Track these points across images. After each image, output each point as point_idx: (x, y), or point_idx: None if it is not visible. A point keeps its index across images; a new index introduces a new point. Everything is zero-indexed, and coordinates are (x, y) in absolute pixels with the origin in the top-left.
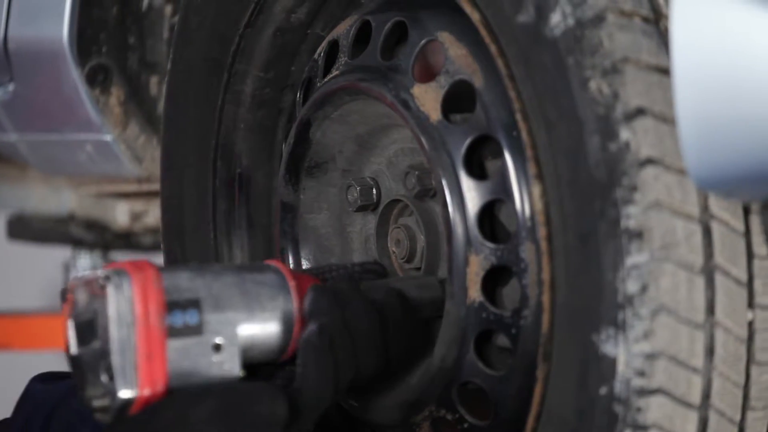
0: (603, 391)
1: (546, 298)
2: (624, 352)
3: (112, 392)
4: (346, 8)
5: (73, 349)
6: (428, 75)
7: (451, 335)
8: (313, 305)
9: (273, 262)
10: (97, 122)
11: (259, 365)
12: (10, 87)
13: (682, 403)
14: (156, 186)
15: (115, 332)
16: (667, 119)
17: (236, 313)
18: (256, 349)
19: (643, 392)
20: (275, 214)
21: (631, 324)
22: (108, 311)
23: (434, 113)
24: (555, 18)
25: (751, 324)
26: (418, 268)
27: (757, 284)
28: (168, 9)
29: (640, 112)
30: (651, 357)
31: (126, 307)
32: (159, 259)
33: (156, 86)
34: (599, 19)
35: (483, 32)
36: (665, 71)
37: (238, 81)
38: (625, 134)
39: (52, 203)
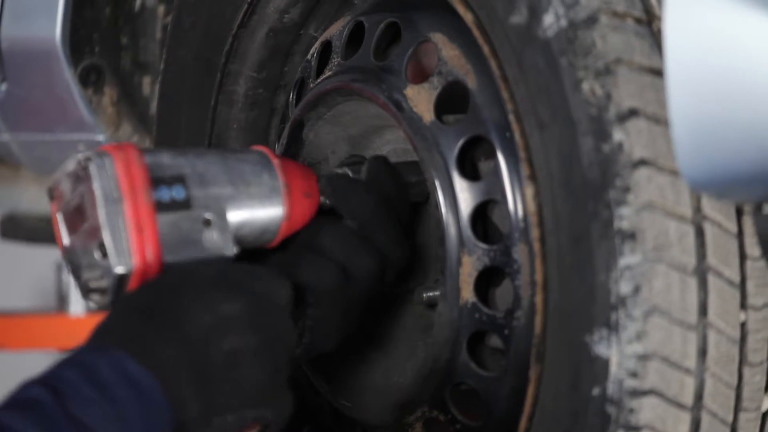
0: (596, 392)
1: (539, 299)
2: (617, 353)
3: (107, 269)
4: (339, 9)
5: (65, 240)
6: (421, 76)
7: (443, 336)
8: (374, 174)
9: (257, 146)
10: (90, 122)
11: (252, 252)
12: (3, 87)
13: (674, 404)
14: None
15: (103, 209)
16: (660, 120)
17: (222, 188)
18: (247, 227)
19: (636, 393)
20: None
21: (623, 325)
22: (93, 189)
23: (427, 114)
24: (548, 19)
25: (743, 325)
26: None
27: (750, 285)
28: (161, 9)
29: (633, 113)
30: (644, 358)
31: (111, 183)
32: None
33: (149, 86)
34: (592, 21)
35: (476, 33)
36: (658, 72)
37: (231, 81)
38: (618, 135)
39: (45, 203)
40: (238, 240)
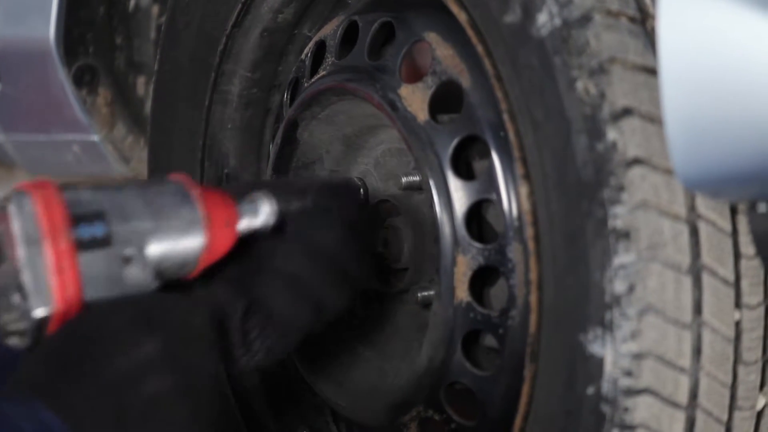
0: (590, 391)
1: (533, 298)
2: (611, 352)
3: (26, 311)
4: (333, 9)
5: None
6: (415, 75)
7: (438, 335)
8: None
9: (175, 175)
10: (84, 123)
11: (175, 284)
12: None
13: (669, 403)
14: None
15: (22, 250)
16: (654, 119)
17: (142, 222)
18: (168, 261)
19: (631, 392)
20: None
21: (618, 324)
22: (12, 230)
23: (421, 114)
24: (542, 18)
25: (738, 324)
26: (406, 269)
27: (744, 284)
28: (155, 9)
29: (627, 112)
30: (638, 357)
31: (30, 223)
32: None
33: (143, 86)
34: (586, 20)
35: (470, 32)
36: (652, 71)
37: (225, 81)
38: (612, 134)
39: None
40: (159, 273)
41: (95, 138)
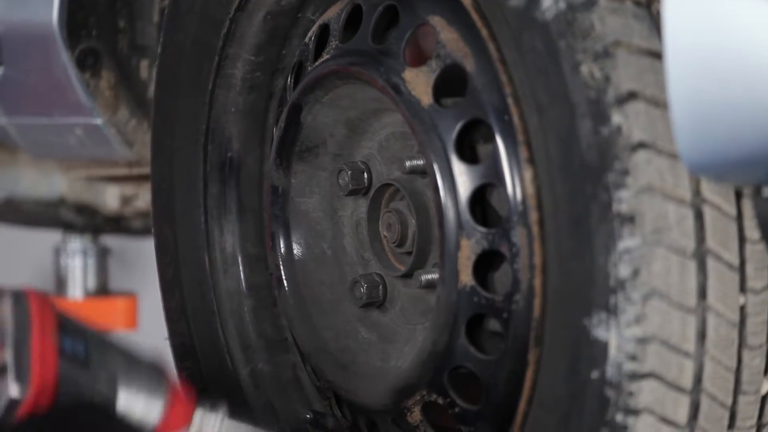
0: (594, 375)
1: (538, 283)
2: (615, 337)
3: (2, 390)
4: None
5: None
6: (419, 59)
7: (442, 320)
8: None
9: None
10: (88, 106)
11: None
12: (0, 70)
13: (673, 388)
14: (146, 170)
15: (11, 330)
16: (659, 103)
17: (117, 369)
18: (129, 413)
19: (635, 376)
20: (266, 198)
21: (622, 308)
22: (6, 314)
23: (425, 97)
24: (546, 2)
25: (743, 308)
26: (410, 252)
27: (749, 268)
28: None
29: (631, 95)
30: (643, 341)
31: (23, 313)
32: (150, 243)
33: (146, 70)
34: (591, 3)
35: (474, 16)
36: (657, 55)
37: (228, 65)
38: (616, 118)
39: (43, 187)
40: (123, 412)
41: (98, 121)
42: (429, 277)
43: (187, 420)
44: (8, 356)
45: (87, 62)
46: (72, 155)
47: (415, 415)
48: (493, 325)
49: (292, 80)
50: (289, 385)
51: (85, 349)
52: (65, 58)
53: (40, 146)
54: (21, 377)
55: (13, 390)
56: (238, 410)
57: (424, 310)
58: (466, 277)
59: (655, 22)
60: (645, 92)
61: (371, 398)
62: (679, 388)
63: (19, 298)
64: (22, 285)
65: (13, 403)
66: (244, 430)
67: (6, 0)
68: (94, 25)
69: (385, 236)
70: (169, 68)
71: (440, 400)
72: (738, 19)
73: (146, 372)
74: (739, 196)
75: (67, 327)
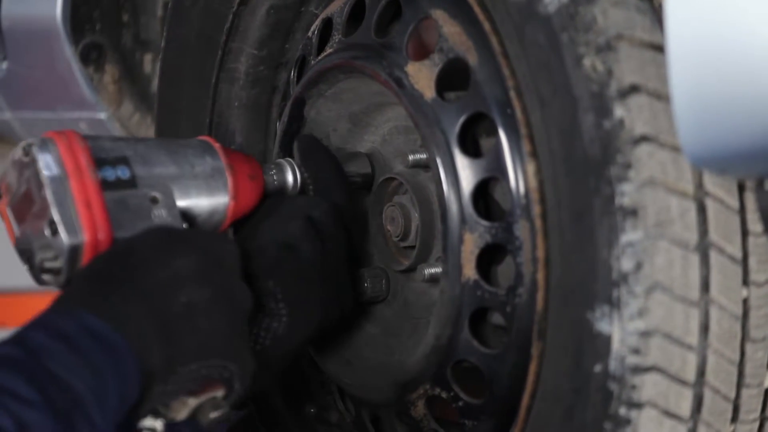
0: (597, 368)
1: (541, 276)
2: (618, 330)
3: (59, 244)
4: None
5: (16, 231)
6: (422, 53)
7: (445, 313)
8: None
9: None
10: (92, 100)
11: None
12: (4, 65)
13: (676, 381)
14: None
15: (49, 187)
16: (662, 96)
17: (166, 168)
18: (195, 207)
19: (638, 370)
20: None
21: (625, 301)
22: (39, 170)
23: (428, 91)
24: None
25: (745, 301)
26: (413, 246)
27: (752, 261)
28: None
29: (634, 89)
30: (646, 334)
31: (56, 163)
32: None
33: (150, 64)
34: None
35: (477, 10)
36: (659, 48)
37: (232, 59)
38: (619, 111)
39: None
40: (189, 220)
41: (102, 115)
42: (432, 271)
43: (258, 187)
44: (54, 213)
45: (91, 56)
46: None
47: (419, 409)
48: (497, 318)
49: (296, 74)
50: (293, 379)
51: (128, 168)
52: (69, 53)
53: None
54: (72, 229)
55: (70, 240)
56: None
57: (428, 304)
58: (470, 271)
59: (657, 15)
60: (647, 85)
61: (375, 392)
62: (683, 382)
63: (46, 147)
64: (45, 134)
65: (74, 252)
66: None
67: None
68: (97, 20)
69: (389, 230)
70: (173, 62)
71: (444, 394)
72: (740, 11)
73: (196, 158)
74: (741, 189)
75: (103, 156)
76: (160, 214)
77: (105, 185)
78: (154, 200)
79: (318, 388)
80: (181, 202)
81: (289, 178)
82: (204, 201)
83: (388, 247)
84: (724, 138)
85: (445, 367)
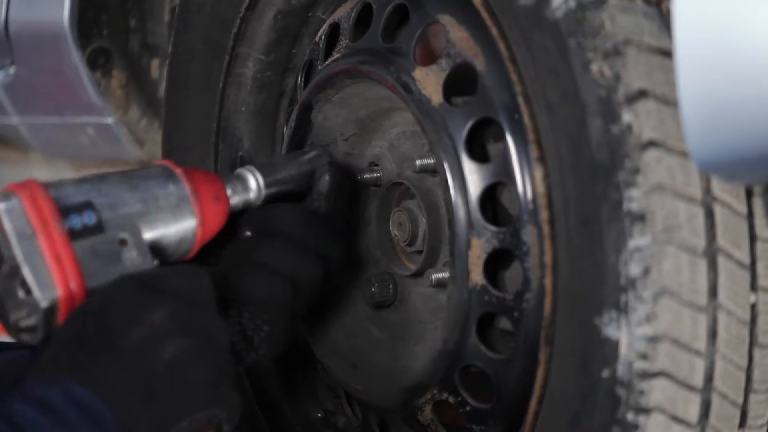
0: (605, 374)
1: (548, 281)
2: (626, 335)
3: (33, 304)
4: None
5: None
6: (429, 58)
7: (453, 318)
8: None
9: (158, 161)
10: (99, 105)
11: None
12: (12, 70)
13: (684, 386)
14: None
15: (17, 246)
16: (669, 101)
17: (131, 207)
18: (163, 240)
19: (646, 375)
20: None
21: (633, 307)
22: (5, 230)
23: (436, 96)
24: (556, 0)
25: (754, 306)
26: (420, 251)
27: (760, 267)
28: None
29: (642, 94)
30: (653, 340)
31: (22, 221)
32: None
33: (157, 69)
34: (601, 1)
35: (484, 15)
36: (667, 53)
37: (239, 64)
38: (627, 117)
39: None
40: (158, 254)
41: (110, 120)
42: (440, 276)
43: (224, 208)
44: (25, 272)
45: (98, 62)
46: (83, 154)
47: (426, 414)
48: (504, 323)
49: (303, 79)
50: (300, 383)
51: (93, 213)
52: (76, 58)
53: (52, 145)
54: (45, 287)
55: (43, 301)
56: (246, 410)
57: (435, 309)
58: (477, 276)
59: (665, 20)
60: (655, 91)
61: (382, 397)
62: (690, 387)
63: (11, 204)
64: (5, 188)
65: (49, 312)
66: (281, 167)
67: (18, 0)
68: (105, 25)
69: (396, 235)
70: (180, 67)
71: (451, 399)
72: (748, 16)
73: (159, 188)
74: (749, 194)
75: (67, 204)
76: (131, 256)
77: (73, 235)
78: (123, 242)
79: (325, 393)
80: (150, 237)
81: (252, 194)
82: (172, 231)
83: (395, 251)
84: (732, 143)
85: (452, 372)
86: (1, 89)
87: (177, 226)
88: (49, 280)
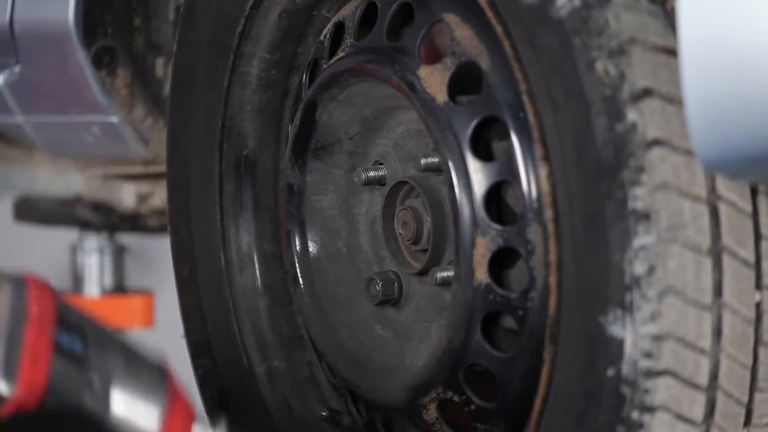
0: (610, 372)
1: (553, 280)
2: (631, 334)
3: None
4: None
5: None
6: (434, 56)
7: (458, 317)
8: None
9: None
10: (104, 104)
11: None
12: (16, 69)
13: (689, 385)
14: (162, 168)
15: (6, 321)
16: (674, 100)
17: (114, 370)
18: (126, 422)
19: (651, 374)
20: (282, 196)
21: (638, 305)
22: (2, 303)
23: (440, 95)
24: None
25: (758, 305)
26: (425, 250)
27: (765, 265)
28: None
29: (646, 92)
30: (658, 338)
31: (20, 303)
32: (166, 241)
33: (162, 68)
34: (605, 0)
35: (489, 13)
36: (672, 52)
37: (244, 63)
38: (631, 115)
39: (59, 185)
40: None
41: (114, 119)
42: (444, 274)
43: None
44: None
45: (103, 60)
46: (88, 153)
47: (431, 413)
48: (509, 322)
49: (308, 78)
50: (304, 382)
51: (82, 345)
52: (81, 56)
53: (57, 144)
54: (9, 374)
55: (1, 385)
56: (253, 408)
57: (440, 308)
58: (482, 275)
59: (670, 18)
60: (660, 89)
61: (387, 396)
62: (695, 386)
63: (19, 285)
64: (23, 271)
65: None
66: None
67: None
68: (110, 23)
69: (401, 234)
70: (185, 66)
71: (456, 398)
72: (753, 15)
73: (146, 375)
74: (754, 192)
75: (66, 320)
76: (92, 401)
77: (56, 348)
78: (92, 389)
79: (330, 392)
80: (115, 403)
81: None
82: (133, 415)
83: (400, 250)
84: (737, 142)
85: (457, 371)
86: (6, 88)
87: (141, 413)
88: (15, 372)
